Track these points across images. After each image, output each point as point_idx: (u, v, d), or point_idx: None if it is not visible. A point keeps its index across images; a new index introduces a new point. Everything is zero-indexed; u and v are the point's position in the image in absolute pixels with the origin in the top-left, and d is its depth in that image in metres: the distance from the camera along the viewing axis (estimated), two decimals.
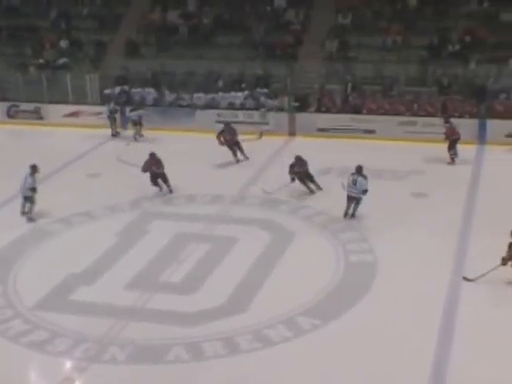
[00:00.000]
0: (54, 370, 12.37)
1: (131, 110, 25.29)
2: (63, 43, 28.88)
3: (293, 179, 19.04)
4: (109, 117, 25.32)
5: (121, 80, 27.15)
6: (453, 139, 21.52)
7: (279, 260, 15.62)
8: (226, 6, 28.73)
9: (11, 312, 13.90)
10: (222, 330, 12.94)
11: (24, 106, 27.47)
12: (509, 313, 13.12)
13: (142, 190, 19.47)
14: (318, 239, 16.68)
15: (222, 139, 21.68)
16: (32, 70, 28.08)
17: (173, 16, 28.95)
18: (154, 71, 27.05)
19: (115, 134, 25.48)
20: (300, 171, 19.07)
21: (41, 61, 28.45)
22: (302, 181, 19.18)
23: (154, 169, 19.24)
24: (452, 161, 21.43)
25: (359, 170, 17.39)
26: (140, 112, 24.91)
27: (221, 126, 22.41)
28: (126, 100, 26.58)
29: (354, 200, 17.32)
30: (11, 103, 27.59)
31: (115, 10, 29.84)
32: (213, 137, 21.74)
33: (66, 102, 27.17)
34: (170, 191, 19.47)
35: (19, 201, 18.23)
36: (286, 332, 12.85)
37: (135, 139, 24.64)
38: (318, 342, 12.62)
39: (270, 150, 23.18)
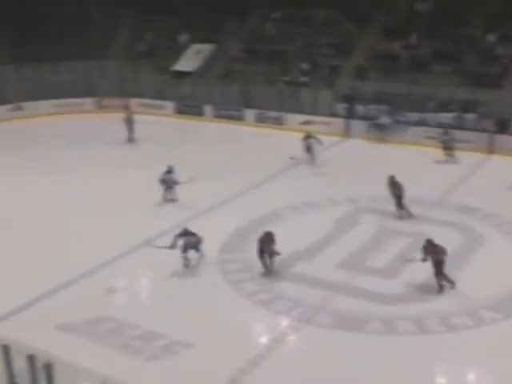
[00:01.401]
0: (274, 326, 12.85)
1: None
2: (304, 65, 29.54)
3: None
4: (443, 141, 22.90)
5: (347, 98, 27.30)
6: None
7: (469, 259, 14.97)
8: (443, 39, 27.83)
9: (247, 275, 14.56)
10: (414, 312, 12.76)
11: (270, 114, 28.43)
12: None
13: (358, 188, 19.53)
14: (506, 244, 15.76)
15: None
16: (280, 85, 29.01)
17: (396, 46, 28.59)
18: (377, 92, 26.86)
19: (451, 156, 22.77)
20: (263, 248, 14.25)
21: (286, 78, 29.34)
22: (260, 255, 14.31)
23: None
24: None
25: None
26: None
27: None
28: (349, 115, 26.73)
29: None
30: (260, 111, 28.68)
31: (350, 40, 29.98)
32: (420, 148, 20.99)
33: (301, 112, 27.77)
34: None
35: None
36: (468, 321, 12.40)
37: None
38: (496, 333, 12.04)
39: (469, 163, 22.19)
